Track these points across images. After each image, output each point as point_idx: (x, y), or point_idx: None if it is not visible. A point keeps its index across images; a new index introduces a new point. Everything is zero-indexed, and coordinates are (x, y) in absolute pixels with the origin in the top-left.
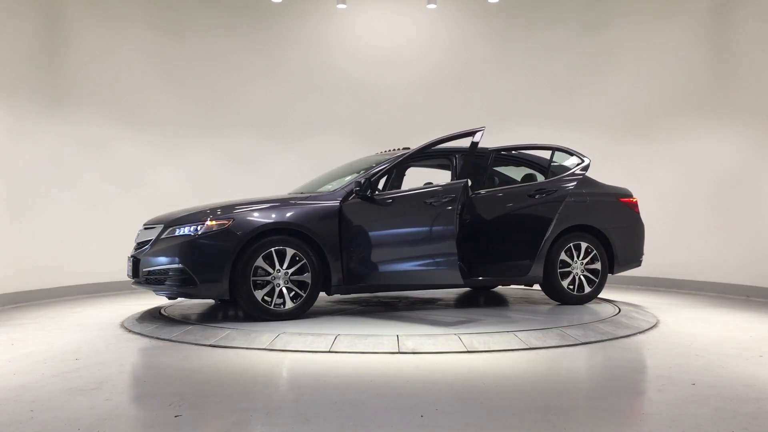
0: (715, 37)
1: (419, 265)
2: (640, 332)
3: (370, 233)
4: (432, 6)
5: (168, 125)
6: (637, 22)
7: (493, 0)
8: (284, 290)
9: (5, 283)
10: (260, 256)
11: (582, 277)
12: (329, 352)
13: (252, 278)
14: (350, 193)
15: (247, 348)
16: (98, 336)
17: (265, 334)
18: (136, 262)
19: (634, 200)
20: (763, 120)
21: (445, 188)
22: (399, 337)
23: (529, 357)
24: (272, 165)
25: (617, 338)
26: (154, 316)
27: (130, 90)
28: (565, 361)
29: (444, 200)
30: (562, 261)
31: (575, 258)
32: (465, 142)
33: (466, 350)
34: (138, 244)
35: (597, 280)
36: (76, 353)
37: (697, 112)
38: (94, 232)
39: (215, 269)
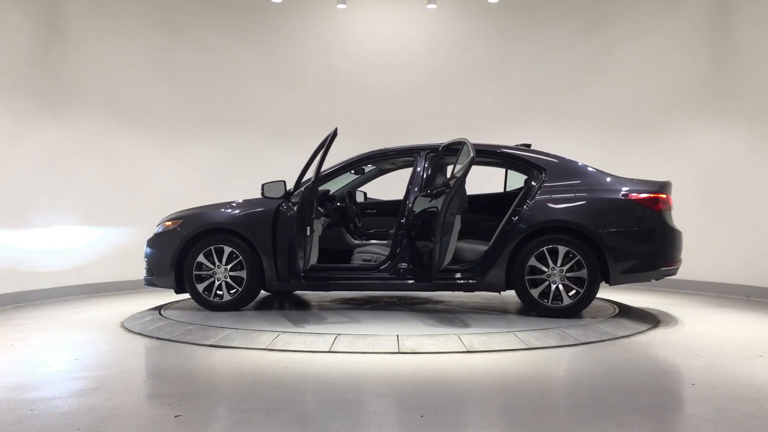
0: (715, 35)
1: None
2: (639, 332)
3: (286, 236)
4: (432, 6)
5: (168, 124)
6: (638, 21)
7: (493, 0)
8: (223, 284)
9: (5, 283)
10: (201, 253)
11: (561, 286)
12: (329, 352)
13: (195, 272)
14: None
15: (247, 348)
16: (98, 336)
17: (265, 334)
18: None
19: (656, 196)
20: (763, 119)
21: (304, 191)
22: (399, 337)
23: (529, 357)
24: (273, 164)
25: (617, 338)
26: (154, 316)
27: (129, 89)
28: (565, 361)
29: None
30: (535, 268)
31: (551, 264)
32: (439, 140)
33: (466, 350)
34: None
35: (582, 291)
36: (76, 353)
37: (698, 111)
38: (94, 231)
39: (163, 263)
